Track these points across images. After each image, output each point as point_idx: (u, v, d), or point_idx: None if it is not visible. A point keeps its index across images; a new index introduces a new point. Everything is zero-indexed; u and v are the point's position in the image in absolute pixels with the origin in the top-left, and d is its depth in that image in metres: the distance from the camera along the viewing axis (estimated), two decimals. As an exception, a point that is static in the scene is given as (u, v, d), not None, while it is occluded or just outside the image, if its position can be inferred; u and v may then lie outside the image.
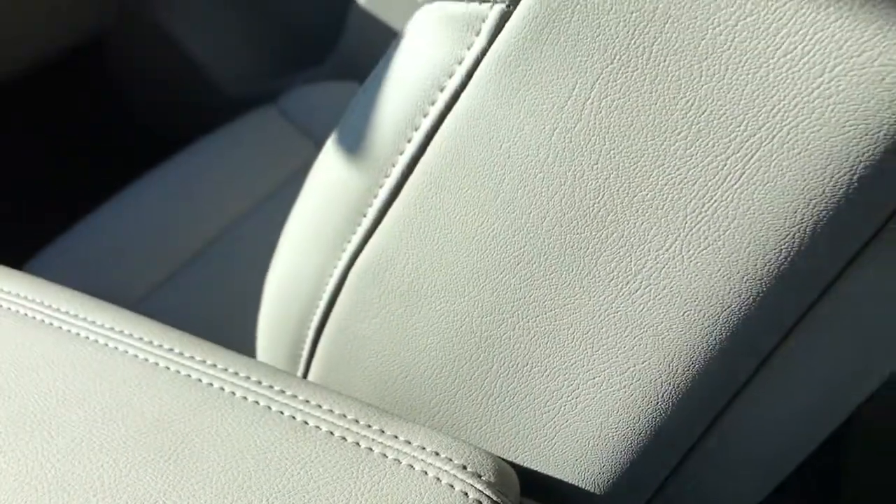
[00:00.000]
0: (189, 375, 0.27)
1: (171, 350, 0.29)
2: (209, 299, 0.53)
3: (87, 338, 0.30)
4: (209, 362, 0.28)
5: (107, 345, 0.29)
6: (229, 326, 0.44)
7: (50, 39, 0.97)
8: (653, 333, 0.20)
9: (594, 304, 0.20)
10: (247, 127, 0.81)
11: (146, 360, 0.28)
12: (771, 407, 0.22)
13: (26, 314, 0.31)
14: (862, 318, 0.21)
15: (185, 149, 0.77)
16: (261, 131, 0.80)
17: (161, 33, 1.06)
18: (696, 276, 0.18)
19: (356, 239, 0.24)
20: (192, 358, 0.28)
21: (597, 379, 0.21)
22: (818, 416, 0.24)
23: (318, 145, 0.78)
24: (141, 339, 0.29)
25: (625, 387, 0.21)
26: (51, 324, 0.30)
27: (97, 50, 1.12)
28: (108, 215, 0.66)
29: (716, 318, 0.19)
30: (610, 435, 0.22)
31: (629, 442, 0.22)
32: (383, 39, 0.80)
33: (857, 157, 0.15)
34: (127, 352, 0.29)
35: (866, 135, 0.15)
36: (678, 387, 0.20)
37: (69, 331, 0.30)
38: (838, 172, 0.16)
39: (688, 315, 0.19)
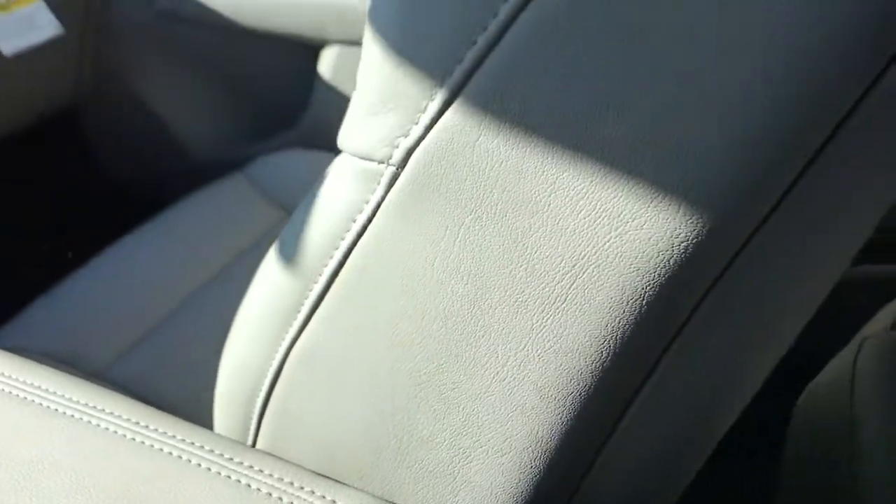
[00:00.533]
0: (152, 446, 0.32)
1: (136, 423, 0.33)
2: (173, 367, 0.57)
3: (64, 413, 0.34)
4: (169, 433, 0.32)
5: (81, 419, 0.34)
6: (191, 393, 0.49)
7: (27, 109, 1.02)
8: (520, 411, 0.25)
9: (476, 387, 0.26)
10: (216, 194, 0.86)
11: (115, 432, 0.33)
12: (629, 458, 0.28)
13: (3, 389, 0.36)
14: (689, 385, 0.26)
15: (156, 216, 0.81)
16: (229, 198, 0.85)
17: (135, 101, 1.11)
18: (546, 367, 0.24)
19: (292, 331, 0.29)
20: (154, 430, 0.33)
21: (484, 447, 0.27)
22: (670, 464, 0.29)
23: (285, 211, 0.84)
24: (111, 413, 0.34)
25: (504, 453, 0.26)
26: (32, 400, 0.35)
27: (72, 114, 1.17)
28: (81, 283, 0.70)
29: (566, 398, 0.24)
30: (499, 493, 0.27)
31: (515, 498, 0.27)
32: (346, 110, 0.86)
33: (644, 285, 0.21)
34: (99, 425, 0.33)
35: (647, 272, 0.21)
36: (545, 451, 0.25)
37: (48, 406, 0.35)
38: (632, 296, 0.21)
39: (544, 396, 0.24)
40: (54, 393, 0.36)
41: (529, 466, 0.26)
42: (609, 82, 0.19)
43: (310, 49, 0.99)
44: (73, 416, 0.34)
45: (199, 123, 1.12)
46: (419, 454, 0.28)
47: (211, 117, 1.12)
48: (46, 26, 0.96)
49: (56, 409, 0.35)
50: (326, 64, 0.97)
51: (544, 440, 0.25)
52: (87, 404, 0.35)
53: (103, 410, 0.34)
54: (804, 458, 0.65)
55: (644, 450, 0.28)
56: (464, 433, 0.27)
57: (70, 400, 0.35)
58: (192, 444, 0.31)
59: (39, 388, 0.36)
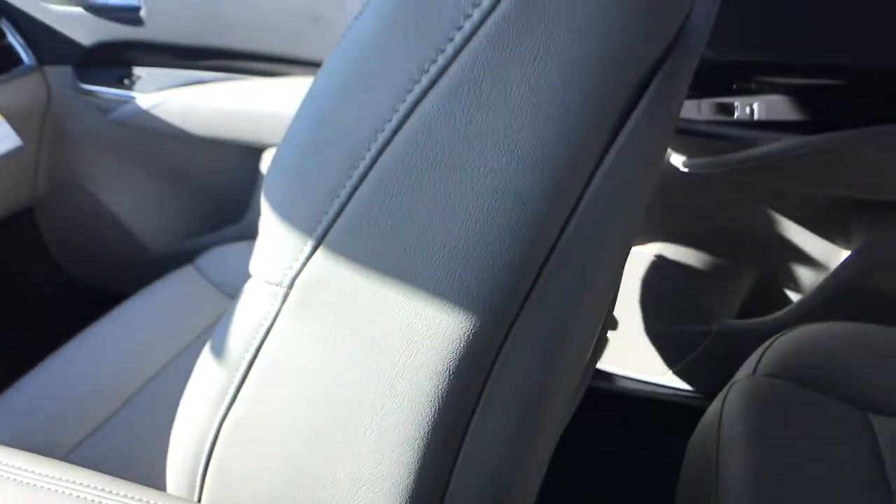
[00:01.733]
0: (111, 506, 0.40)
1: (101, 489, 0.41)
2: (131, 445, 0.65)
3: (41, 486, 0.42)
4: (129, 496, 0.41)
5: (55, 490, 0.42)
6: (147, 464, 0.57)
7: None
8: (389, 452, 0.35)
9: (352, 448, 0.35)
10: (168, 286, 0.94)
11: (84, 497, 0.41)
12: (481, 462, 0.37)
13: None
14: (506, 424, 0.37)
15: (114, 309, 0.89)
16: (181, 290, 0.93)
17: (91, 200, 1.20)
18: (402, 420, 0.34)
19: (224, 407, 0.38)
20: (116, 494, 0.41)
21: (365, 487, 0.36)
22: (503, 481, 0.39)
23: (232, 300, 0.92)
24: (79, 483, 0.42)
25: (380, 487, 0.36)
26: (10, 478, 0.43)
27: (30, 214, 1.25)
28: (42, 377, 0.77)
29: (412, 442, 0.34)
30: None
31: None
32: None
33: (444, 368, 0.32)
34: (71, 493, 0.41)
35: (451, 351, 0.31)
36: (406, 482, 0.35)
37: (26, 482, 0.43)
38: (443, 379, 0.32)
39: (402, 443, 0.34)
40: (30, 471, 0.44)
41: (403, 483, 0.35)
42: (422, 230, 0.30)
43: (253, 150, 1.10)
44: (48, 488, 0.42)
45: (152, 219, 1.21)
46: (323, 495, 0.37)
47: (163, 213, 1.21)
48: (6, 140, 1.05)
49: (34, 484, 0.43)
50: (268, 163, 1.08)
51: (404, 475, 0.35)
52: (58, 478, 0.43)
53: (72, 482, 0.43)
54: (684, 495, 0.74)
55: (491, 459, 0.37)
56: (351, 477, 0.36)
57: (43, 475, 0.43)
58: (140, 500, 0.40)
59: (16, 467, 0.44)
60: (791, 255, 0.95)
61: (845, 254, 0.91)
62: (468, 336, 0.30)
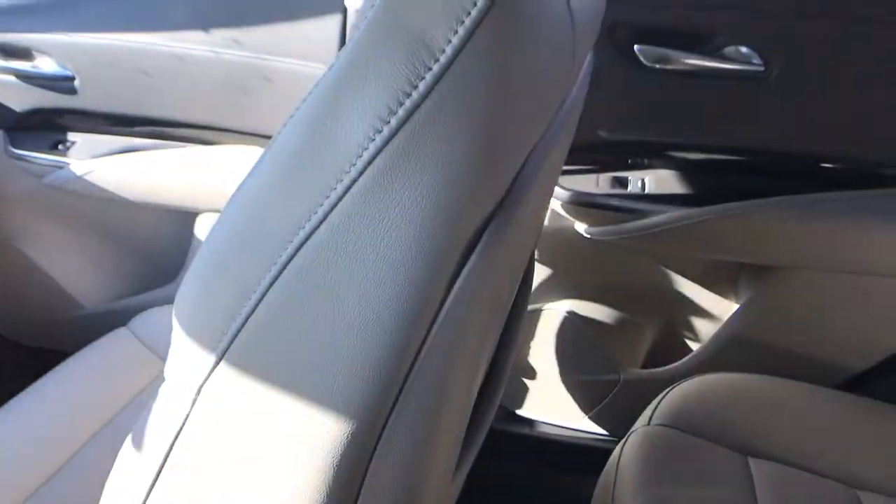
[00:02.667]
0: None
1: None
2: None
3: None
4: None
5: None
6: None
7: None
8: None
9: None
10: (102, 349, 0.96)
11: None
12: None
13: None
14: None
15: (48, 373, 0.91)
16: (115, 353, 0.96)
17: (23, 259, 1.21)
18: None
19: (147, 486, 0.43)
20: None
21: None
22: None
23: (165, 363, 0.95)
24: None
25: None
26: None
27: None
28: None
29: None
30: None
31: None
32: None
33: (330, 464, 0.37)
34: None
35: (330, 460, 0.37)
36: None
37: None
38: (328, 476, 0.38)
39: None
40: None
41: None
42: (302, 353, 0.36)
43: (188, 213, 1.14)
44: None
45: (87, 279, 1.23)
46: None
47: (98, 273, 1.23)
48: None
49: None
50: (201, 227, 1.12)
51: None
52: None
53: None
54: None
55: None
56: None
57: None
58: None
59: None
60: (688, 309, 1.04)
61: (735, 307, 1.01)
62: (348, 436, 0.36)
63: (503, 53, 0.31)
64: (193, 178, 1.08)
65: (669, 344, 1.08)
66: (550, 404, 1.13)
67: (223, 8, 0.96)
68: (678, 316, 1.05)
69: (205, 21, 0.96)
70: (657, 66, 0.84)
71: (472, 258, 0.35)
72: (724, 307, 1.03)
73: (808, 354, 0.96)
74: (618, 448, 0.84)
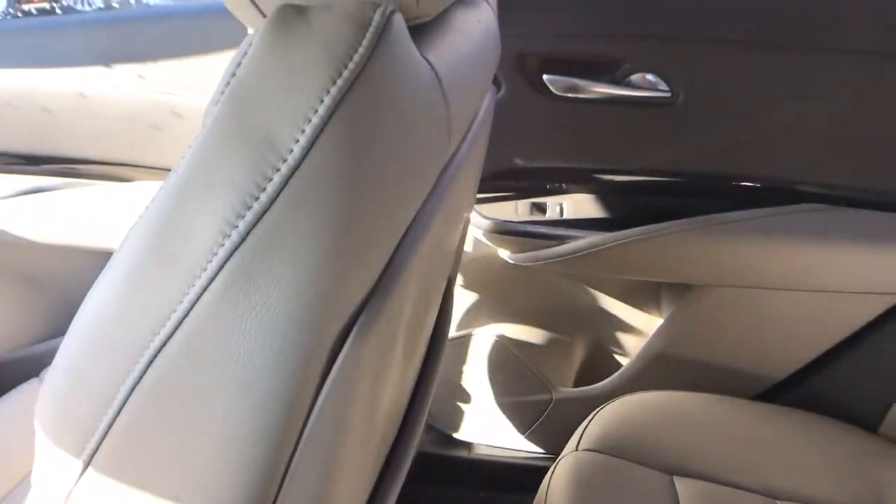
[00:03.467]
0: None
1: None
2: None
3: None
4: None
5: None
6: None
7: None
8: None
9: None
10: (11, 403, 0.92)
11: None
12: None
13: None
14: None
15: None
16: (24, 408, 0.92)
17: (-70, 307, 1.15)
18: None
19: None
20: None
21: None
22: None
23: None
24: None
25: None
26: None
27: None
28: None
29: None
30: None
31: None
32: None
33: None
34: None
35: None
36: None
37: None
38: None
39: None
40: None
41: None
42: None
43: (102, 253, 1.10)
44: None
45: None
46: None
47: (10, 318, 1.18)
48: None
49: None
50: (118, 267, 1.08)
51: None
52: None
53: None
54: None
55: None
56: None
57: None
58: None
59: None
60: (615, 326, 1.06)
61: (660, 322, 1.03)
62: None
63: (357, 147, 0.30)
64: (108, 217, 1.04)
65: (600, 361, 1.10)
66: (486, 426, 1.13)
67: (122, 43, 0.93)
68: (606, 333, 1.07)
69: (104, 57, 0.92)
70: (568, 94, 0.84)
71: (347, 345, 0.35)
72: (649, 323, 1.05)
73: (728, 367, 0.98)
74: (547, 476, 0.84)
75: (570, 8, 0.82)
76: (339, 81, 0.29)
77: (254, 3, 0.38)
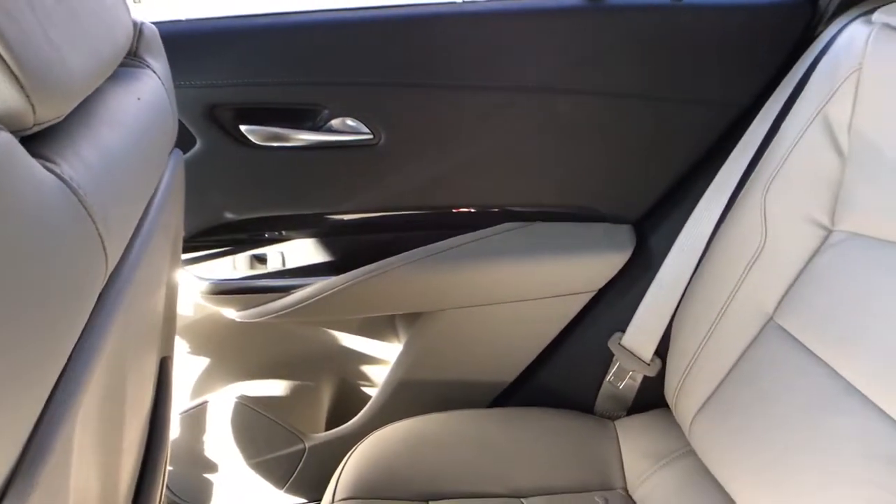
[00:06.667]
0: None
1: None
2: None
3: None
4: None
5: None
6: None
7: None
8: None
9: None
10: None
11: None
12: None
13: None
14: None
15: None
16: None
17: None
18: None
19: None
20: None
21: None
22: None
23: None
24: None
25: None
26: None
27: None
28: None
29: None
30: None
31: None
32: None
33: None
34: None
35: None
36: None
37: None
38: None
39: None
40: None
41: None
42: None
43: None
44: None
45: None
46: None
47: None
48: None
49: None
50: None
51: None
52: None
53: None
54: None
55: None
56: None
57: None
58: None
59: None
60: (359, 362, 1.06)
61: (400, 349, 1.06)
62: None
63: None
64: None
65: (350, 398, 1.09)
66: (240, 492, 1.06)
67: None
68: (351, 370, 1.07)
69: None
70: (271, 143, 0.82)
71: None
72: (391, 351, 1.07)
73: (464, 382, 1.04)
74: None
75: (260, 56, 0.79)
76: None
77: None
